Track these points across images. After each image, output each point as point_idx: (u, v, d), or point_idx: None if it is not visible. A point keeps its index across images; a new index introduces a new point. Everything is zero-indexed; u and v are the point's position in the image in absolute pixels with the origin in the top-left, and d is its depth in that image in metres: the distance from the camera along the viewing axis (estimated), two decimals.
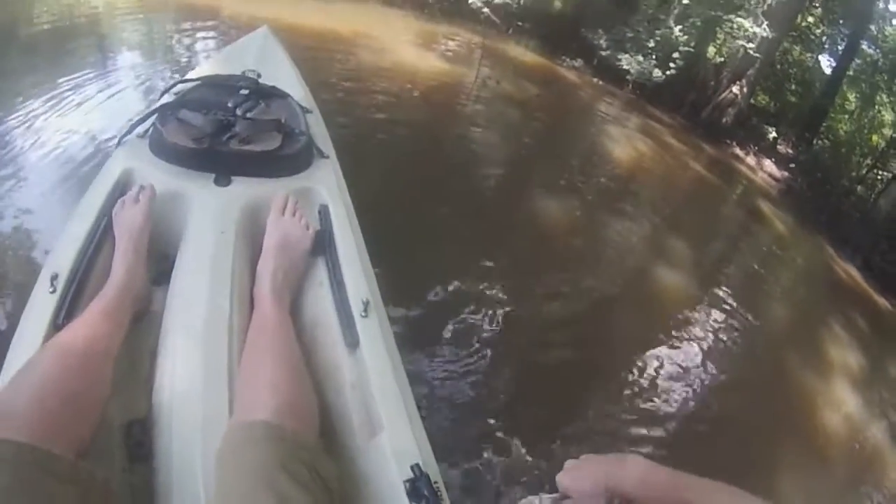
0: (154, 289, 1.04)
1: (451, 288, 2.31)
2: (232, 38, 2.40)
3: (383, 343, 0.96)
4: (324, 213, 1.23)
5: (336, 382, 0.94)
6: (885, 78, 9.11)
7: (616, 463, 0.58)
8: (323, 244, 1.14)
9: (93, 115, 2.71)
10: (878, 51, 9.10)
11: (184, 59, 4.01)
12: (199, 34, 4.52)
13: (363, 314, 0.99)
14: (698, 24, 6.92)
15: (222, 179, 1.17)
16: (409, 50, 5.52)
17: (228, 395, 0.81)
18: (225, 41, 4.12)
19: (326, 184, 1.30)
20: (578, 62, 6.77)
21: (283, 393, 0.76)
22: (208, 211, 1.10)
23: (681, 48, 6.57)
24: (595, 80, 6.75)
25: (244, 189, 1.18)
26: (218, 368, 0.84)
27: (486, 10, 6.30)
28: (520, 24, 6.96)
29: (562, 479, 0.63)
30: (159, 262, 1.08)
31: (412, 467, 0.75)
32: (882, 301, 5.72)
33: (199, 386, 0.81)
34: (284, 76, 1.75)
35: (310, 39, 4.77)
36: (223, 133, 1.22)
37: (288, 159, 1.27)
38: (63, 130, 2.50)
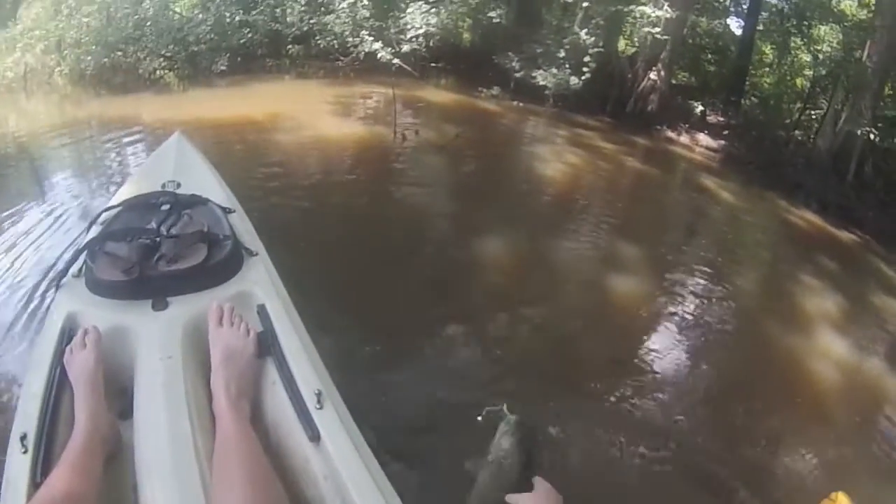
0: (123, 423, 1.07)
1: (408, 350, 2.31)
2: (158, 142, 2.41)
3: (343, 431, 1.00)
4: (262, 312, 1.25)
5: (310, 476, 0.96)
6: (794, 22, 9.42)
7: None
8: (267, 344, 1.17)
9: (28, 248, 2.74)
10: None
11: (115, 173, 4.02)
12: (128, 147, 4.57)
13: (318, 406, 1.02)
14: (601, 23, 7.09)
15: (159, 304, 1.21)
16: (327, 120, 5.56)
17: None
18: (151, 147, 4.14)
19: (260, 282, 1.33)
20: (496, 90, 6.87)
21: None
22: (153, 339, 1.13)
23: (591, 50, 6.70)
24: (515, 103, 6.84)
25: (182, 308, 1.21)
26: (194, 493, 0.86)
27: (396, 60, 6.38)
28: (433, 64, 7.08)
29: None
30: (121, 397, 1.11)
31: None
32: (846, 235, 5.86)
33: None
34: (203, 180, 1.79)
35: (231, 133, 4.82)
36: (151, 256, 1.26)
37: (217, 267, 1.30)
38: None
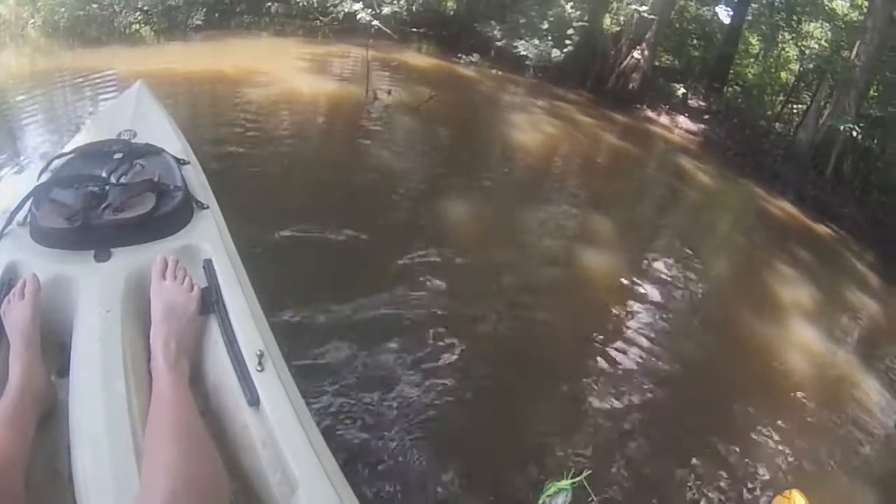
0: (60, 381, 1.01)
1: (370, 316, 2.20)
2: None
3: (284, 396, 0.95)
4: (208, 267, 1.19)
5: (247, 441, 0.92)
6: (784, 16, 9.40)
7: None
8: (211, 301, 1.11)
9: None
10: None
11: (81, 122, 3.84)
12: (98, 98, 4.37)
13: (259, 368, 0.98)
14: None
15: (102, 254, 1.14)
16: (301, 77, 5.45)
17: (140, 483, 0.80)
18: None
19: (208, 237, 1.27)
20: (475, 57, 6.78)
21: (181, 474, 0.75)
22: (93, 290, 1.07)
23: (575, 24, 6.63)
24: (494, 71, 6.75)
25: (125, 260, 1.15)
26: (125, 457, 0.82)
27: (375, 22, 6.26)
28: (414, 29, 6.95)
29: None
30: (59, 352, 1.04)
31: None
32: (822, 228, 5.88)
33: (109, 479, 0.80)
34: (160, 130, 1.72)
35: (202, 86, 4.70)
36: (97, 205, 1.19)
37: (164, 219, 1.24)
38: None
